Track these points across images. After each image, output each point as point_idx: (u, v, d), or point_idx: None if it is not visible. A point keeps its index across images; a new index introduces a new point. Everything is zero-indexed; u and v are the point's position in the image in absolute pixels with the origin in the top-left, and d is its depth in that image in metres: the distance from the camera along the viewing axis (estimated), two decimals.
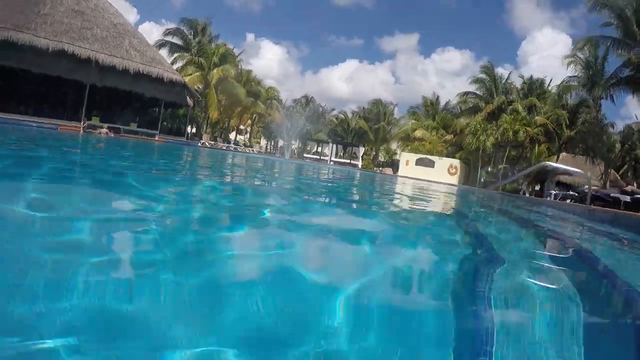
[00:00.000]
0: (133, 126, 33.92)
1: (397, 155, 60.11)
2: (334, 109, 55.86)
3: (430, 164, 36.78)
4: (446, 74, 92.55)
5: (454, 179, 35.58)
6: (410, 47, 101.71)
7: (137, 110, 36.67)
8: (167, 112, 40.05)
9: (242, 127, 63.66)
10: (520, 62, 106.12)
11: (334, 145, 49.70)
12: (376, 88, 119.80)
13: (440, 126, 47.01)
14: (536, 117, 35.05)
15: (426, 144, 43.34)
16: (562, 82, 33.37)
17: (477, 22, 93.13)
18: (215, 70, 39.22)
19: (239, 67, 46.10)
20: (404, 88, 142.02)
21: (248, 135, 61.85)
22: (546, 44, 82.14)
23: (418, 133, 45.45)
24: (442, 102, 50.69)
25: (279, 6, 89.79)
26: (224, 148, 38.30)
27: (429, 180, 33.84)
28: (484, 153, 35.56)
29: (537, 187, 41.58)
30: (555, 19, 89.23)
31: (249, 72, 46.85)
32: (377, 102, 53.42)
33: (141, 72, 32.65)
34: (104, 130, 29.25)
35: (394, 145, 58.94)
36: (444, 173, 35.76)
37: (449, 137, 45.01)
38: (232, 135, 66.97)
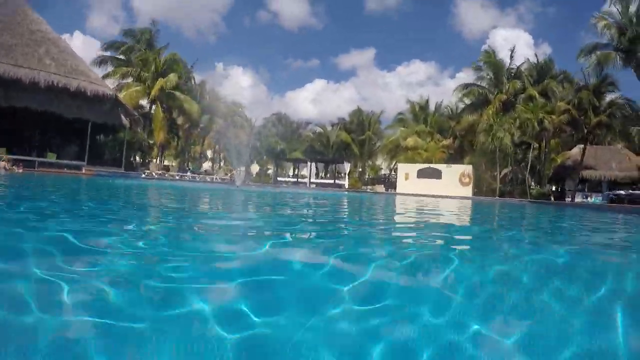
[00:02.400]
0: (51, 157, 26.14)
1: (383, 170, 53.14)
2: (309, 123, 48.54)
3: (436, 175, 29.66)
4: (413, 86, 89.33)
5: (467, 190, 28.51)
6: (368, 63, 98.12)
7: (62, 136, 28.82)
8: (107, 138, 32.33)
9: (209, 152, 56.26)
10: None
11: (313, 164, 42.12)
12: (342, 107, 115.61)
13: (435, 130, 40.27)
14: (558, 103, 28.45)
15: (422, 152, 36.41)
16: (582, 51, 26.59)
17: (428, 30, 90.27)
18: (157, 82, 31.75)
19: (192, 79, 38.79)
20: (370, 104, 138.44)
21: (220, 161, 54.46)
22: (506, 42, 79.21)
23: (410, 141, 38.58)
24: (432, 105, 44.04)
25: (234, 34, 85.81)
26: (177, 178, 30.54)
27: (436, 195, 26.72)
28: (501, 153, 28.70)
29: (553, 188, 34.94)
30: (503, 16, 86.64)
31: (203, 84, 39.49)
32: (357, 111, 46.58)
33: (56, 84, 25.20)
34: (2, 164, 21.53)
35: (379, 160, 51.96)
36: (455, 184, 28.68)
37: (446, 142, 38.22)
38: (206, 164, 59.59)
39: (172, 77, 32.35)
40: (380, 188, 38.47)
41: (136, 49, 34.89)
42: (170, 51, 36.23)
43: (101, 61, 35.55)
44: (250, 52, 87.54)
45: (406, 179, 30.66)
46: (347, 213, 8.97)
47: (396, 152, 42.27)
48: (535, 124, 27.03)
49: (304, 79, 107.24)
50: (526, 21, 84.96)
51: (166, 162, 53.75)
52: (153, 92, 31.97)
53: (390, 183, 40.01)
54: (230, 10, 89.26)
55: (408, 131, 41.29)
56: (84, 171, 25.80)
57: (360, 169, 46.73)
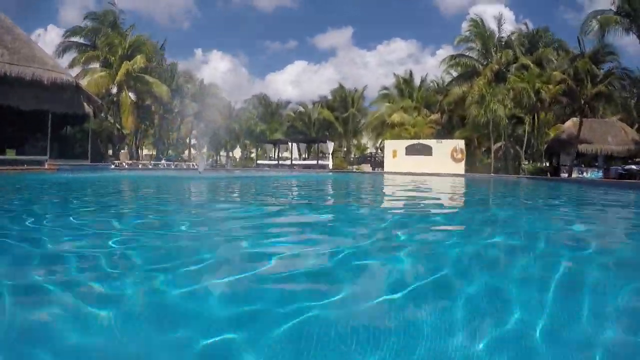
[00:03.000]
0: (10, 153, 24.05)
1: (369, 149, 51.52)
2: (289, 102, 46.35)
3: (426, 151, 28.09)
4: (394, 64, 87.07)
5: (460, 167, 27.06)
6: (346, 42, 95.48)
7: (23, 130, 26.58)
8: (74, 129, 30.07)
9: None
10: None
11: (295, 145, 40.19)
12: (323, 88, 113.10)
13: (422, 105, 38.65)
14: (554, 72, 26.88)
15: (409, 128, 34.82)
16: (588, 18, 24.81)
17: (406, 7, 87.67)
18: (123, 65, 29.45)
19: (163, 62, 36.40)
20: (351, 83, 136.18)
21: (203, 148, 52.23)
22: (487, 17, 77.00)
23: (396, 117, 36.96)
24: (417, 80, 42.28)
25: (208, 19, 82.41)
26: (150, 167, 28.65)
27: (427, 173, 25.29)
28: (494, 127, 27.22)
29: (547, 164, 33.64)
30: None
31: (174, 65, 37.04)
32: (339, 89, 44.62)
33: (8, 74, 22.96)
34: None
35: (364, 139, 50.30)
36: (446, 160, 27.16)
37: (434, 116, 36.64)
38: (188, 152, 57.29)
39: (140, 59, 29.97)
40: (367, 168, 36.98)
41: (101, 33, 32.31)
42: (137, 33, 33.81)
43: (65, 48, 33.01)
44: (226, 36, 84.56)
45: (394, 156, 29.03)
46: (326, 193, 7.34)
47: (382, 129, 40.61)
48: (532, 94, 25.51)
49: (283, 61, 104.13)
50: None
51: (146, 151, 51.51)
52: (119, 77, 29.66)
53: (377, 162, 38.45)
54: None
55: (393, 107, 39.64)
56: (46, 166, 23.81)
57: (345, 149, 45.05)
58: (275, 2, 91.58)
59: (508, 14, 76.62)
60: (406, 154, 28.52)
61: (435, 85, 41.00)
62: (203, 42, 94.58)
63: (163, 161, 32.55)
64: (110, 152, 33.71)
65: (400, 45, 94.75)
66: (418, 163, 27.27)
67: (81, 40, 33.07)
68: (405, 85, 40.68)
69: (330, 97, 44.52)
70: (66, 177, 16.35)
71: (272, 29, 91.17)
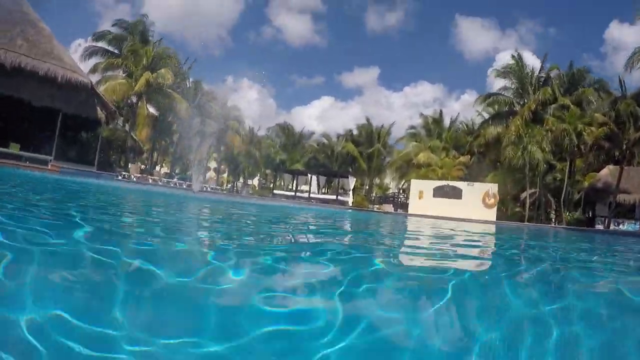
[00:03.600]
0: (14, 148, 22.90)
1: (391, 190, 49.35)
2: (313, 133, 44.72)
3: (456, 194, 25.84)
4: (419, 106, 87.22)
5: (492, 213, 24.67)
6: (372, 82, 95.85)
7: (32, 127, 25.48)
8: (89, 134, 28.96)
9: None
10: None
11: (315, 177, 38.13)
12: (348, 124, 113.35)
13: (450, 146, 36.70)
14: (595, 114, 24.83)
15: (436, 169, 32.80)
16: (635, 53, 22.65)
17: (431, 51, 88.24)
18: (143, 75, 28.44)
19: (186, 79, 35.53)
20: (377, 122, 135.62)
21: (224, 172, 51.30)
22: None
23: (423, 157, 35.06)
24: (446, 120, 40.57)
25: (239, 49, 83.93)
26: (160, 183, 27.12)
27: (455, 218, 23.03)
28: (530, 171, 24.98)
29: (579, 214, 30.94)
30: (504, 37, 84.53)
31: (198, 84, 36.00)
32: (366, 124, 43.02)
33: (23, 67, 22.08)
34: None
35: (387, 179, 48.30)
36: (477, 205, 24.84)
37: (463, 158, 34.57)
38: (210, 174, 56.26)
39: (164, 72, 29.01)
40: (389, 208, 34.69)
41: (128, 40, 31.69)
42: (166, 47, 33.16)
43: (91, 52, 32.43)
44: (254, 68, 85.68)
45: (420, 197, 26.82)
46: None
47: (407, 169, 38.66)
48: (574, 136, 23.39)
49: (309, 96, 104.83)
50: (527, 42, 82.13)
51: (166, 169, 50.48)
52: (138, 86, 28.62)
53: (399, 203, 36.23)
54: (236, 25, 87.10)
55: (420, 146, 37.82)
56: (49, 167, 22.44)
57: (367, 187, 43.00)
58: (304, 39, 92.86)
59: (533, 59, 76.07)
60: (433, 196, 26.27)
61: (465, 126, 39.18)
62: (232, 71, 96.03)
63: (175, 179, 31.00)
64: (123, 162, 32.44)
65: (427, 88, 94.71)
66: (446, 206, 24.99)
67: (108, 47, 32.50)
68: (434, 125, 38.93)
69: (355, 132, 42.87)
70: (57, 179, 14.79)
71: (301, 64, 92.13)
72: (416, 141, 38.58)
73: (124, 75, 30.91)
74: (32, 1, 26.73)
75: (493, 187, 25.18)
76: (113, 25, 32.14)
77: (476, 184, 26.14)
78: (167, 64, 30.38)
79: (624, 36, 67.23)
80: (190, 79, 36.57)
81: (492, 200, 24.74)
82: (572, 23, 77.15)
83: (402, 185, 47.03)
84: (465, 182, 26.29)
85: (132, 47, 30.39)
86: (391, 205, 36.33)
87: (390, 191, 48.38)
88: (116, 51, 32.78)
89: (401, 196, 38.81)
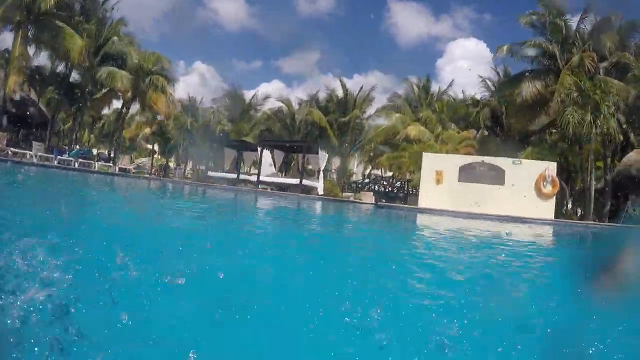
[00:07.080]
0: None
1: (355, 176, 40.86)
2: (268, 97, 34.35)
3: (494, 177, 17.63)
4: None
5: (549, 207, 16.77)
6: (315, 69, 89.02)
7: None
8: None
9: None
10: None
11: (269, 154, 28.28)
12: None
13: (447, 118, 28.74)
14: None
15: (435, 145, 24.85)
16: None
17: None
18: None
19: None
20: None
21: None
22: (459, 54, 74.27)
23: (412, 131, 26.92)
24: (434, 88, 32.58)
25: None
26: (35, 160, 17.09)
27: (495, 215, 15.01)
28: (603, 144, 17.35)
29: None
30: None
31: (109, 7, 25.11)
32: (340, 87, 33.19)
33: None
34: None
35: (352, 164, 39.86)
36: (529, 194, 16.82)
37: (467, 132, 26.69)
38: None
39: None
40: (368, 197, 25.95)
41: None
42: None
43: None
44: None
45: (438, 181, 18.28)
46: None
47: (381, 150, 30.70)
48: None
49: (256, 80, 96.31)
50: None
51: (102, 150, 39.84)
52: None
53: (386, 192, 27.81)
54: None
55: (405, 119, 29.64)
56: None
57: (335, 169, 33.98)
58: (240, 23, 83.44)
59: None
60: (459, 180, 17.88)
61: (462, 95, 31.38)
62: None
63: (64, 156, 20.93)
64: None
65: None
66: (479, 196, 16.82)
67: None
68: (423, 92, 30.76)
69: (323, 95, 32.76)
70: None
71: (238, 48, 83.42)
72: (401, 113, 30.23)
73: None
74: None
75: (551, 167, 17.12)
76: None
77: (524, 161, 18.03)
78: None
79: None
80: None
81: (550, 188, 16.80)
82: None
83: (370, 170, 38.75)
84: (508, 159, 17.92)
85: None
86: (371, 193, 27.69)
87: (354, 177, 39.98)
88: None
89: (384, 182, 30.37)
